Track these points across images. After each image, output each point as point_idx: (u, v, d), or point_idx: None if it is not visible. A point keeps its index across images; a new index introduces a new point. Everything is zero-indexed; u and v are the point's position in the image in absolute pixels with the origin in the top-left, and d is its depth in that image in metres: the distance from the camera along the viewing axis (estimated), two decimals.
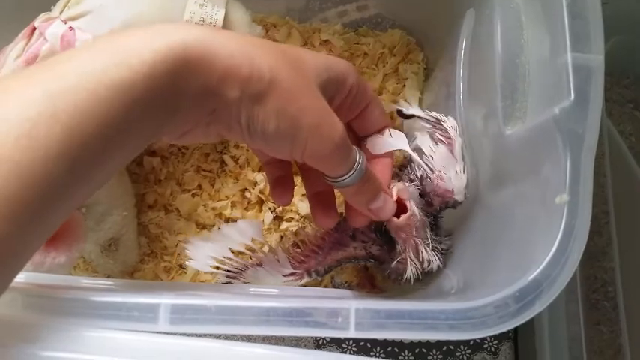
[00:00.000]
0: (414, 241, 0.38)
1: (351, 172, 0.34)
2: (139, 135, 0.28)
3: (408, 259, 0.39)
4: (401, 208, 0.37)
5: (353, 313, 0.27)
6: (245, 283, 0.43)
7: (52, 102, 0.24)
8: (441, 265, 0.40)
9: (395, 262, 0.40)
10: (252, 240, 0.43)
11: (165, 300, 0.27)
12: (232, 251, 0.43)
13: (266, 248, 0.44)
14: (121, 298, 0.28)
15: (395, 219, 0.37)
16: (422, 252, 0.39)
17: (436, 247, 0.40)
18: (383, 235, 0.42)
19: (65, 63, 0.26)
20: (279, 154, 0.34)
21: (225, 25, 0.46)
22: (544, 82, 0.33)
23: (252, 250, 0.43)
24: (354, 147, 0.34)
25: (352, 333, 0.27)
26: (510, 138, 0.35)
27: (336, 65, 0.34)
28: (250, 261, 0.43)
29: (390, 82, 0.59)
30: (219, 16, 0.46)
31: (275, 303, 0.27)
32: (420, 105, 0.58)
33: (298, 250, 0.44)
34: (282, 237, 0.54)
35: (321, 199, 0.41)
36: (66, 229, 0.42)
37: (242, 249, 0.43)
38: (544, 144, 0.31)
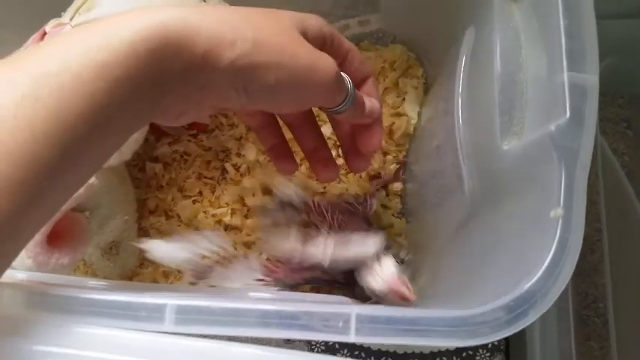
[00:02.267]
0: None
1: (348, 98, 0.35)
2: (127, 116, 0.28)
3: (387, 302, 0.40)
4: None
5: (354, 318, 0.28)
6: (210, 286, 0.43)
7: (35, 85, 0.25)
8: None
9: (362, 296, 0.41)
10: (222, 247, 0.43)
11: (171, 300, 0.28)
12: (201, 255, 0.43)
13: (237, 254, 0.45)
14: (128, 298, 0.28)
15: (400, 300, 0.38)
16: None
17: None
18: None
19: (48, 48, 0.26)
20: (283, 107, 0.35)
21: None
22: (541, 100, 0.34)
23: (222, 255, 0.43)
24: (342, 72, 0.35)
25: (352, 338, 0.28)
26: (507, 153, 0.36)
27: (308, 17, 0.35)
28: (219, 262, 0.43)
29: (390, 95, 0.60)
30: None
31: (280, 306, 0.28)
32: (419, 119, 0.59)
33: (270, 260, 0.45)
34: None
35: (318, 155, 0.43)
36: (70, 231, 0.43)
37: (209, 254, 0.43)
38: (540, 159, 0.32)
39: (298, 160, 0.45)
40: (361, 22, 0.63)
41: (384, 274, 0.39)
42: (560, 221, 0.29)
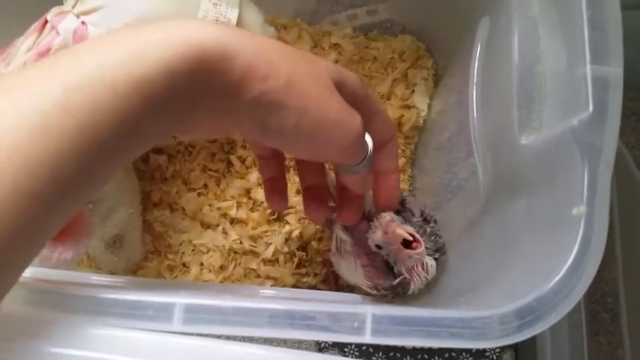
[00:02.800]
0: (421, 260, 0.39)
1: (365, 161, 0.35)
2: (153, 133, 0.27)
3: (414, 276, 0.40)
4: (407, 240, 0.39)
5: (369, 318, 0.27)
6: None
7: (67, 95, 0.24)
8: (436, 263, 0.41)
9: (397, 281, 0.40)
10: None
11: (180, 299, 0.27)
12: None
13: None
14: (136, 297, 0.27)
15: (408, 250, 0.38)
16: (428, 266, 0.39)
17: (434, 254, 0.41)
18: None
19: (83, 56, 0.25)
20: (294, 152, 0.34)
21: (239, 25, 0.46)
22: (561, 93, 0.33)
23: None
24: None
25: (368, 338, 0.27)
26: (525, 147, 0.35)
27: (347, 73, 0.35)
28: None
29: (398, 87, 0.59)
30: (233, 15, 0.45)
31: (291, 306, 0.27)
32: (429, 112, 0.58)
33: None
34: (287, 240, 0.54)
35: (314, 192, 0.42)
36: (73, 224, 0.42)
37: None
38: (561, 154, 0.31)
39: None
40: (369, 12, 0.62)
41: (380, 223, 0.40)
42: (582, 219, 0.28)
